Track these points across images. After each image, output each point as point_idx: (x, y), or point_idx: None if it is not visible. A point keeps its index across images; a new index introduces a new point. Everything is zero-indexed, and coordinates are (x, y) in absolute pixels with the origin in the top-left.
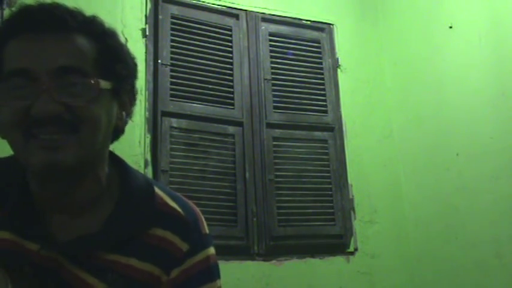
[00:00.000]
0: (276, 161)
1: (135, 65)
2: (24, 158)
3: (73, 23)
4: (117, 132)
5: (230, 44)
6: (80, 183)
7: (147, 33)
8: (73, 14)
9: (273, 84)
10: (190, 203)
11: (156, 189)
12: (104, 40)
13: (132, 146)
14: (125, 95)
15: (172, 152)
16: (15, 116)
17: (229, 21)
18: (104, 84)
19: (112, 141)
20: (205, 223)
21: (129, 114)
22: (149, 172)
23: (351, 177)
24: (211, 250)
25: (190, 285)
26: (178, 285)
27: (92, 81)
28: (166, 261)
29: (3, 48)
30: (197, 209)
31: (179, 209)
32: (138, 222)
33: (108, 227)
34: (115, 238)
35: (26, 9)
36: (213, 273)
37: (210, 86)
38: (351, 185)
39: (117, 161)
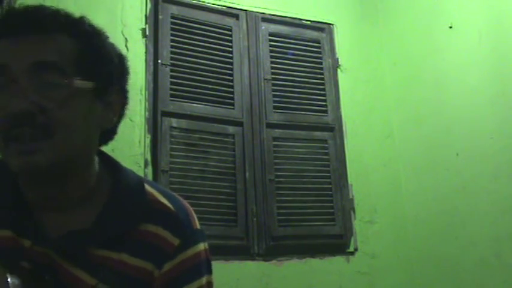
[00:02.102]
0: (276, 161)
1: (123, 66)
2: (6, 160)
3: (53, 24)
4: (108, 133)
5: (230, 44)
6: (64, 183)
7: (147, 33)
8: (55, 16)
9: (273, 84)
10: (182, 199)
11: (147, 186)
12: (88, 40)
13: (132, 146)
14: (112, 96)
15: (172, 152)
16: None
17: (229, 21)
18: (82, 84)
19: (105, 143)
20: (196, 219)
21: (121, 115)
22: (149, 172)
23: (351, 177)
24: (203, 245)
25: (180, 280)
26: (170, 280)
27: (66, 81)
28: (158, 257)
29: None
30: (188, 205)
31: (170, 205)
32: (129, 218)
33: (99, 223)
34: (106, 234)
35: (8, 13)
36: (202, 270)
37: (210, 86)
38: (351, 185)
39: (108, 160)
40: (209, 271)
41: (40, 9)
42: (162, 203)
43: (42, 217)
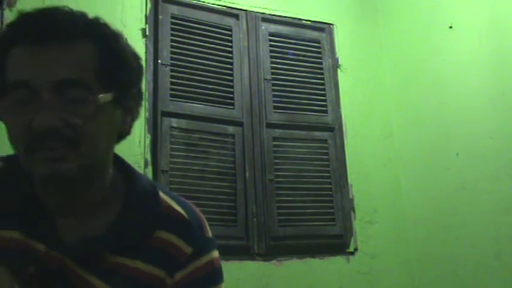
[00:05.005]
0: (276, 161)
1: (140, 67)
2: (29, 169)
3: (74, 30)
4: (122, 135)
5: (230, 44)
6: (84, 189)
7: (147, 33)
8: (74, 20)
9: (273, 84)
10: (193, 206)
11: (161, 193)
12: (107, 44)
13: (132, 146)
14: (130, 100)
15: (172, 152)
16: (18, 132)
17: (229, 21)
18: (105, 97)
19: (118, 143)
20: (208, 227)
21: (135, 117)
22: (149, 172)
23: (351, 177)
24: (215, 253)
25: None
26: None
27: (91, 98)
28: (170, 265)
29: (5, 56)
30: (200, 213)
31: (183, 213)
32: (144, 225)
33: (114, 229)
34: (121, 240)
35: (26, 17)
36: (216, 277)
37: (210, 86)
38: (351, 185)
39: (121, 164)
40: (222, 279)
41: (58, 13)
42: (176, 210)
43: (57, 222)
